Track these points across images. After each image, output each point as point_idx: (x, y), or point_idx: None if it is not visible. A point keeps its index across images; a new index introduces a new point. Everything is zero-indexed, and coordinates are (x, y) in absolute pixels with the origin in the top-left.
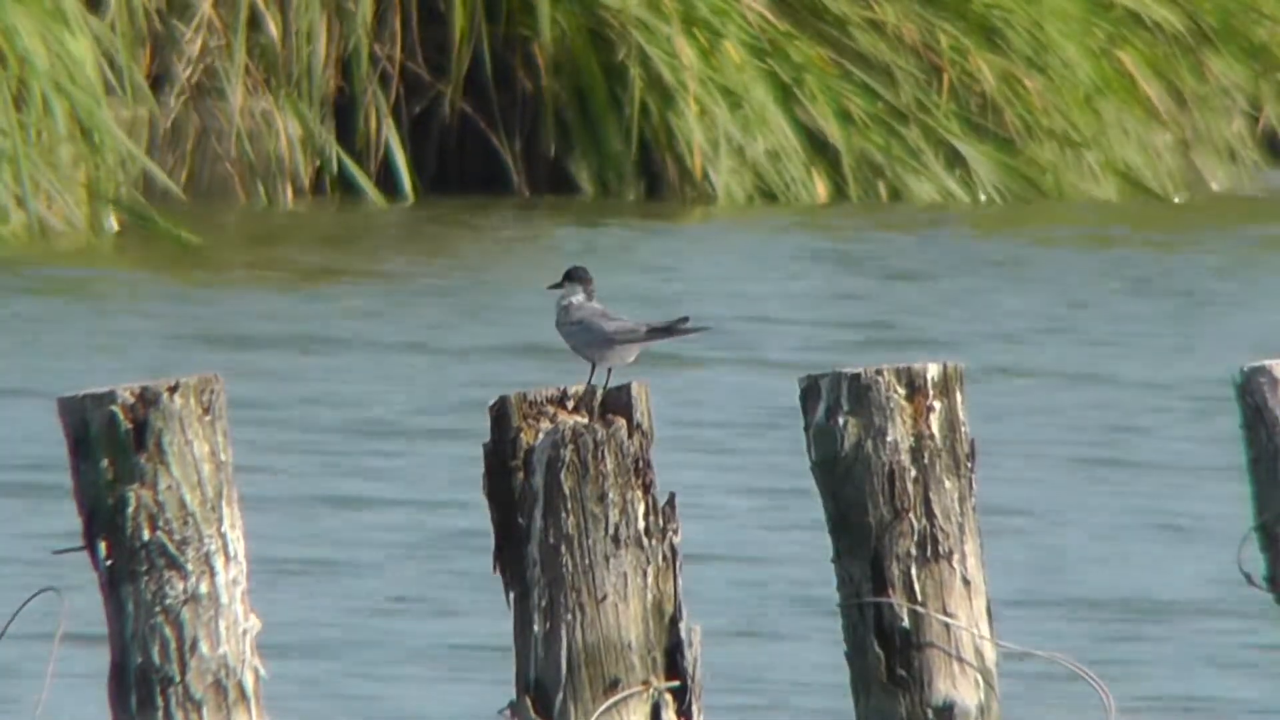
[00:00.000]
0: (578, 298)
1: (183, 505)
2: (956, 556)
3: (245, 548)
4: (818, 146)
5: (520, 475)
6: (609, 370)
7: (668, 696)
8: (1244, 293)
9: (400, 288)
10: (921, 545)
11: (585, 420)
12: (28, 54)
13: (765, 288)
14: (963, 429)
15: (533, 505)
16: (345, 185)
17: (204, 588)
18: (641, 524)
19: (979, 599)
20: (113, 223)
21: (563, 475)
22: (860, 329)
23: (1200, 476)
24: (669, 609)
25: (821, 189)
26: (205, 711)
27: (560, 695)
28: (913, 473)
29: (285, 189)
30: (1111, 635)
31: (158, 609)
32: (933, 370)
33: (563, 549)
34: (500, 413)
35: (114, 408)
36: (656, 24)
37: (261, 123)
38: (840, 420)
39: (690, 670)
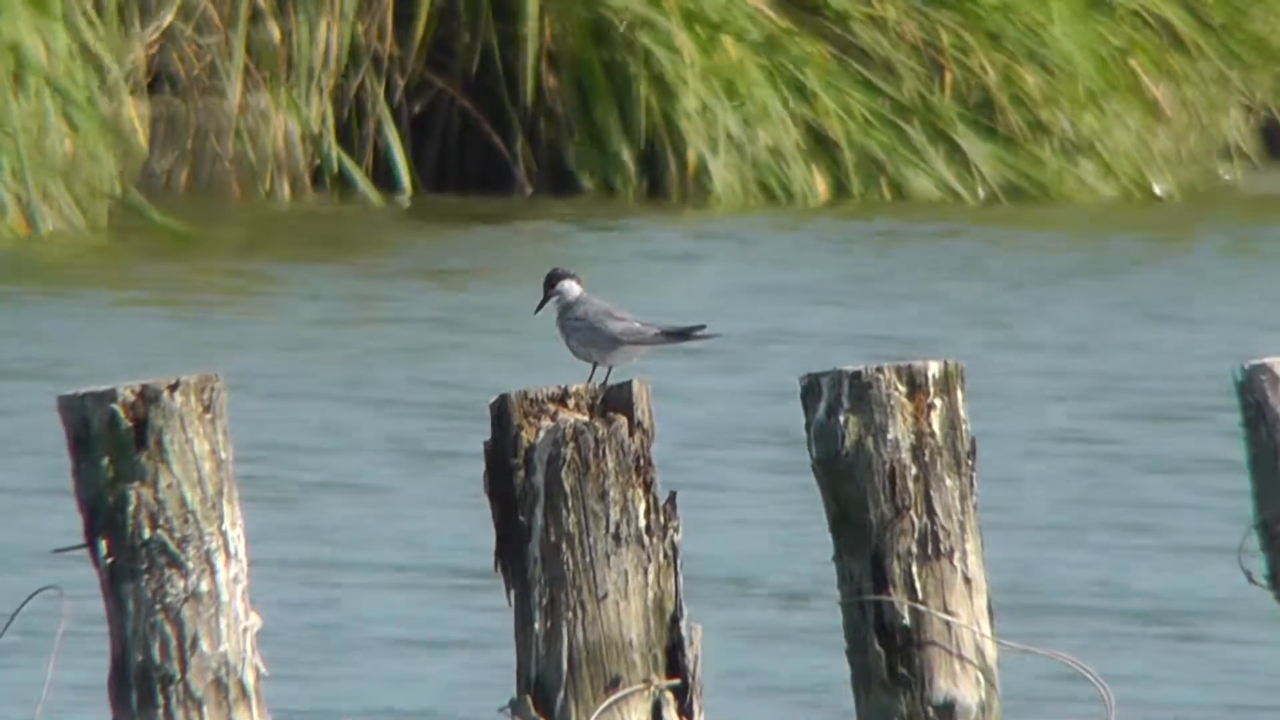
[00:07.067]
0: (576, 293)
1: (183, 503)
2: (957, 554)
3: (245, 545)
4: (819, 143)
5: (521, 473)
6: (609, 369)
7: (669, 695)
8: (1244, 289)
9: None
10: (922, 543)
11: (586, 418)
12: (25, 51)
13: (766, 285)
14: (963, 427)
15: (533, 503)
16: (344, 182)
17: (204, 586)
18: (642, 522)
19: (980, 597)
20: (109, 219)
21: (563, 473)
22: (860, 328)
23: (1198, 475)
24: (670, 607)
25: (822, 186)
26: (206, 709)
27: (561, 693)
28: (913, 470)
29: (284, 186)
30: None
31: (158, 607)
32: (933, 368)
33: (563, 547)
34: (501, 411)
35: (114, 406)
36: (658, 20)
37: (260, 120)
38: (841, 418)
39: (691, 668)
